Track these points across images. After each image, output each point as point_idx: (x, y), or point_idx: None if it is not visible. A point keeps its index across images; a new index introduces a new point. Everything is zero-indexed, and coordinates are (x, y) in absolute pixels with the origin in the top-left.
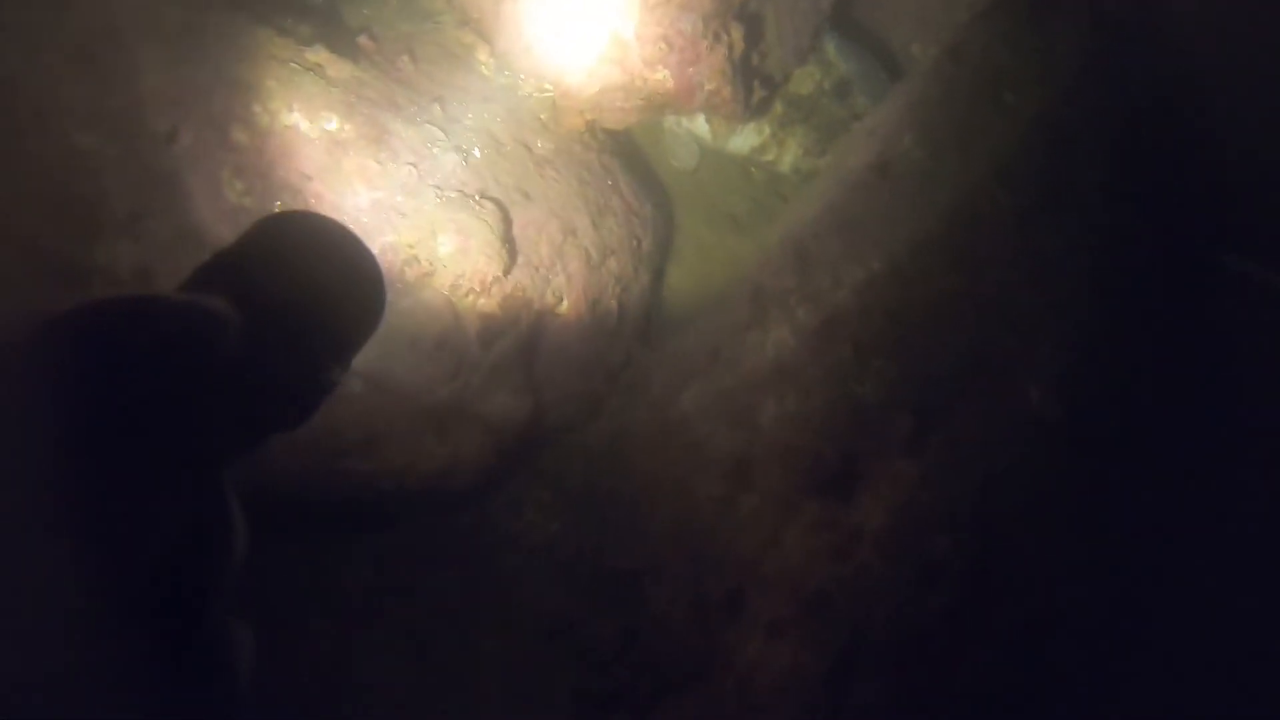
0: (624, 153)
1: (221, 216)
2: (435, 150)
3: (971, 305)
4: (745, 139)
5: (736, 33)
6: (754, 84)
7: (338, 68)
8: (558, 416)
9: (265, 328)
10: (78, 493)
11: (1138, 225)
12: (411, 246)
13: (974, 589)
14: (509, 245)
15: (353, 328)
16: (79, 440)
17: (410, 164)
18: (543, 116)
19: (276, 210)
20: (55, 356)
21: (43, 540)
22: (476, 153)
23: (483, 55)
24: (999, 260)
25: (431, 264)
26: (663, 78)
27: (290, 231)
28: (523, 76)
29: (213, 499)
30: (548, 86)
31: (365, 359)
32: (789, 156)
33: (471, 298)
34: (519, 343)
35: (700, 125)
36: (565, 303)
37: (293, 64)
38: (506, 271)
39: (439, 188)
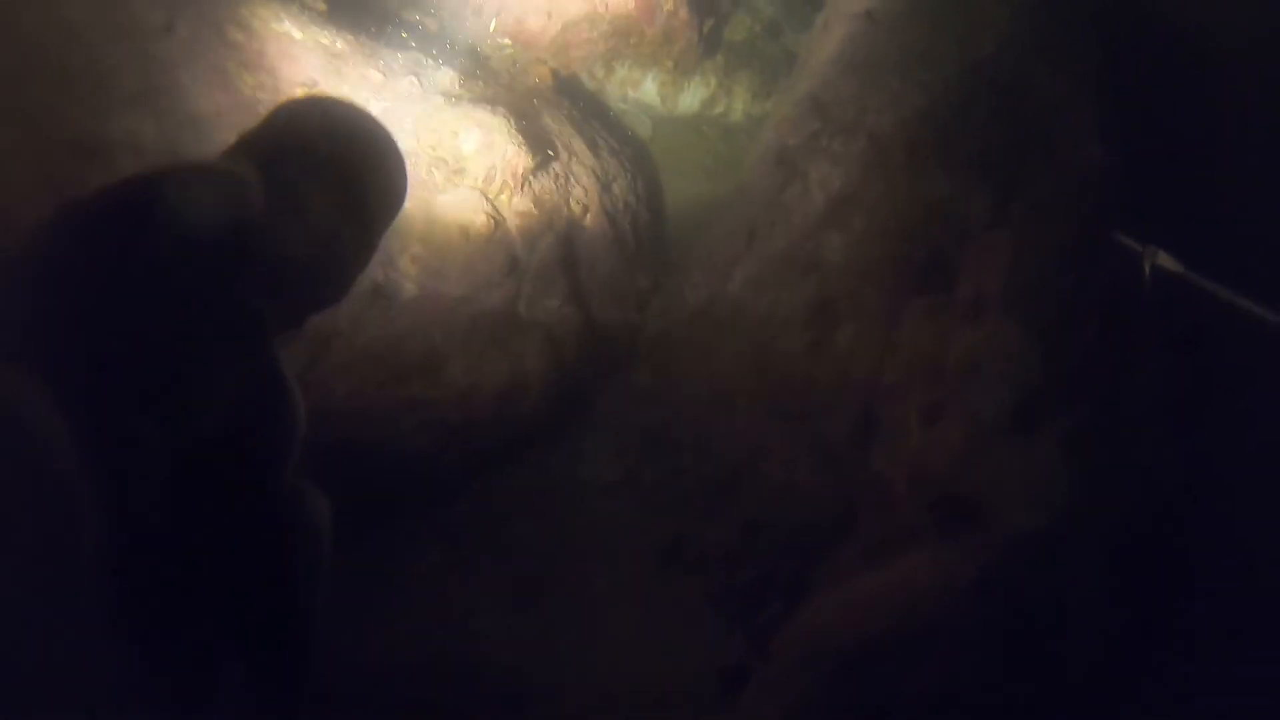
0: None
1: (238, 105)
2: (429, 66)
3: (1001, 88)
4: (694, 94)
5: None
6: (704, 13)
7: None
8: (605, 336)
9: (288, 196)
10: (134, 362)
11: None
12: (434, 149)
13: (1116, 314)
14: (533, 142)
15: (374, 199)
16: (129, 312)
17: (411, 75)
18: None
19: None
20: (98, 235)
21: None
22: (473, 71)
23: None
24: (1009, 47)
25: (459, 162)
26: None
27: (308, 110)
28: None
29: (266, 369)
30: (505, 42)
31: (414, 256)
32: (739, 104)
33: (507, 194)
34: (559, 245)
35: (649, 90)
36: (589, 214)
37: None
38: (537, 165)
39: (445, 95)
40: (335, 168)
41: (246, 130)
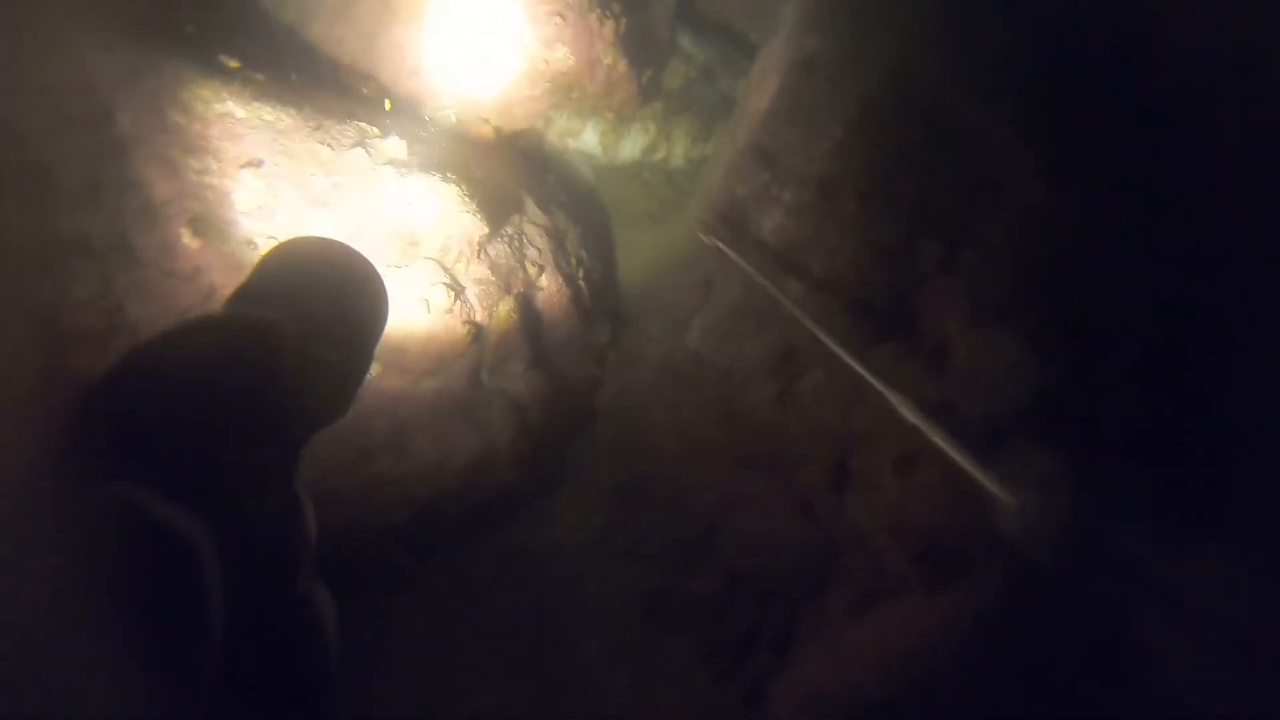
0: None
1: (184, 192)
2: (375, 135)
3: (940, 134)
4: (634, 142)
5: (619, 8)
6: (642, 64)
7: (255, 74)
8: (568, 395)
9: (305, 335)
10: (199, 492)
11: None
12: (388, 222)
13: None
14: (486, 207)
15: (371, 324)
16: (189, 455)
17: (359, 146)
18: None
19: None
20: (149, 387)
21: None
22: (418, 136)
23: (368, 89)
24: (945, 92)
25: (414, 234)
26: (563, 55)
27: (298, 254)
28: (420, 104)
29: (290, 491)
30: (447, 103)
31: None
32: (679, 149)
33: (464, 263)
34: (519, 309)
35: (589, 140)
36: (544, 273)
37: (213, 63)
38: (492, 232)
39: (394, 165)
40: (338, 305)
41: (243, 280)
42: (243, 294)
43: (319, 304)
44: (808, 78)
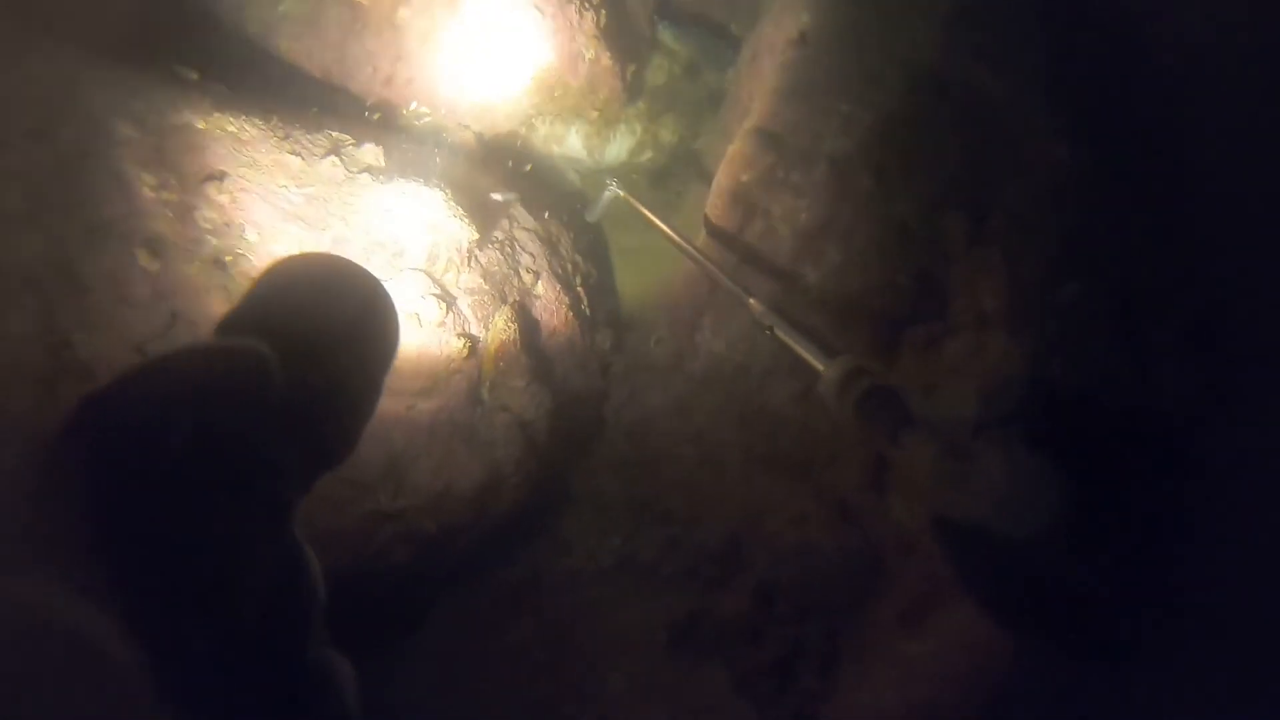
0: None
1: (141, 210)
2: (349, 144)
3: (952, 98)
4: (621, 144)
5: (598, 1)
6: (625, 59)
7: (216, 85)
8: (574, 408)
9: (302, 367)
10: (175, 551)
11: None
12: (369, 233)
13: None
14: (474, 213)
15: (379, 346)
16: (158, 512)
17: (332, 155)
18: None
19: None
20: (116, 435)
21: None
22: (396, 144)
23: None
24: (952, 54)
25: (397, 244)
26: (543, 50)
27: (299, 272)
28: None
29: (289, 540)
30: (424, 110)
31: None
32: (667, 149)
33: (453, 271)
34: (516, 318)
35: (574, 144)
36: (540, 280)
37: (169, 74)
38: (482, 238)
39: (370, 172)
40: (337, 329)
41: (236, 304)
42: (229, 321)
43: (314, 328)
44: (806, 55)
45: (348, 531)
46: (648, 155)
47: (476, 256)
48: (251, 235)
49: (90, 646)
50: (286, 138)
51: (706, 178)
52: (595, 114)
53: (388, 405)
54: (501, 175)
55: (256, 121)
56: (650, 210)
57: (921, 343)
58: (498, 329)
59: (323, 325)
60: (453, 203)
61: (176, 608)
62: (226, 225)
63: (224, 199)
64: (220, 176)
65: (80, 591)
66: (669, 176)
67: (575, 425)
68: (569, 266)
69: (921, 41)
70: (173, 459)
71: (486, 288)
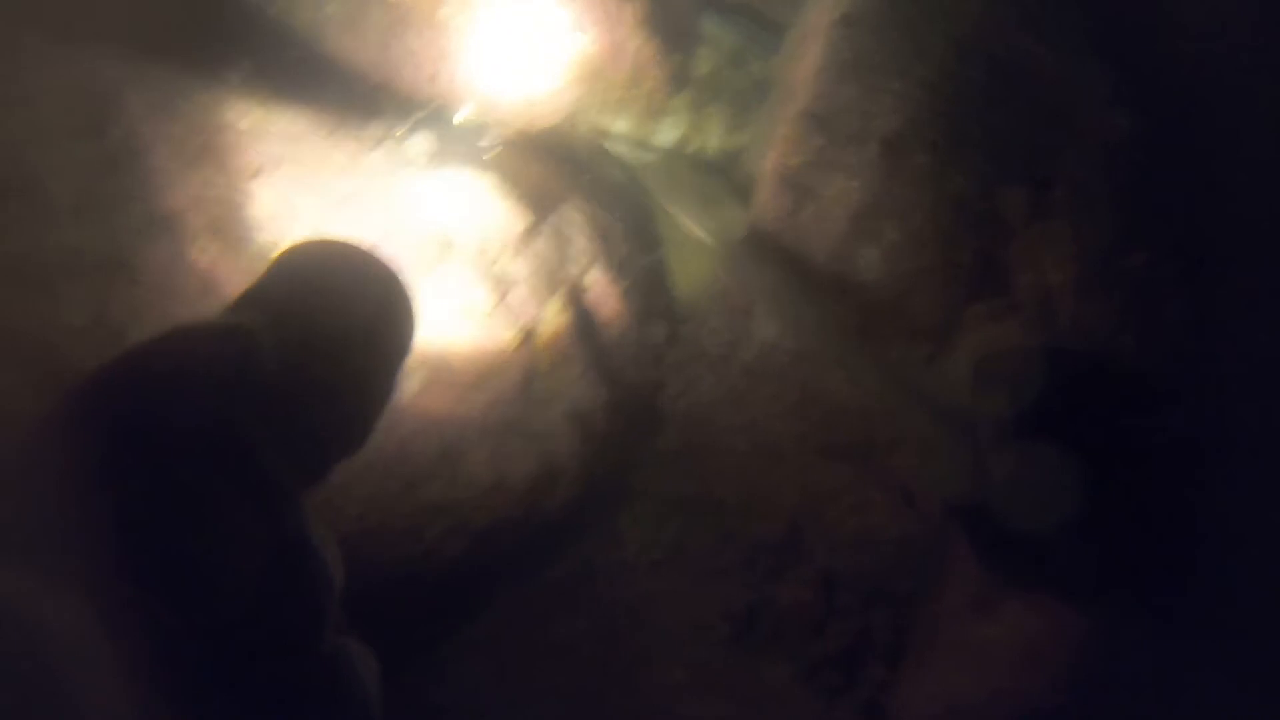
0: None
1: (189, 206)
2: (397, 138)
3: (1002, 69)
4: (667, 135)
5: None
6: (668, 48)
7: (261, 84)
8: (629, 401)
9: (303, 349)
10: (150, 552)
11: None
12: (417, 223)
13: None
14: (524, 200)
15: (389, 333)
16: (143, 485)
17: (378, 149)
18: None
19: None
20: (96, 419)
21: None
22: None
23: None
24: (998, 23)
25: (447, 233)
26: (585, 41)
27: (309, 257)
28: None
29: (291, 536)
30: (468, 106)
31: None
32: (714, 139)
33: (504, 261)
34: (569, 308)
35: (620, 136)
36: (592, 271)
37: (214, 74)
38: (532, 226)
39: (417, 163)
40: (339, 313)
41: (250, 283)
42: (247, 295)
43: (313, 311)
44: (854, 33)
45: (398, 525)
46: (694, 146)
47: (527, 246)
48: (300, 228)
49: (55, 640)
50: (333, 132)
51: (754, 169)
52: (640, 105)
53: (439, 398)
54: (551, 166)
55: (302, 118)
56: (696, 199)
57: (984, 319)
58: (549, 320)
59: (324, 307)
60: (501, 192)
61: (157, 596)
62: (273, 219)
63: (271, 194)
64: (267, 171)
65: (61, 584)
66: (715, 168)
67: (631, 417)
68: (622, 254)
69: (967, 13)
70: (148, 441)
71: (538, 277)
